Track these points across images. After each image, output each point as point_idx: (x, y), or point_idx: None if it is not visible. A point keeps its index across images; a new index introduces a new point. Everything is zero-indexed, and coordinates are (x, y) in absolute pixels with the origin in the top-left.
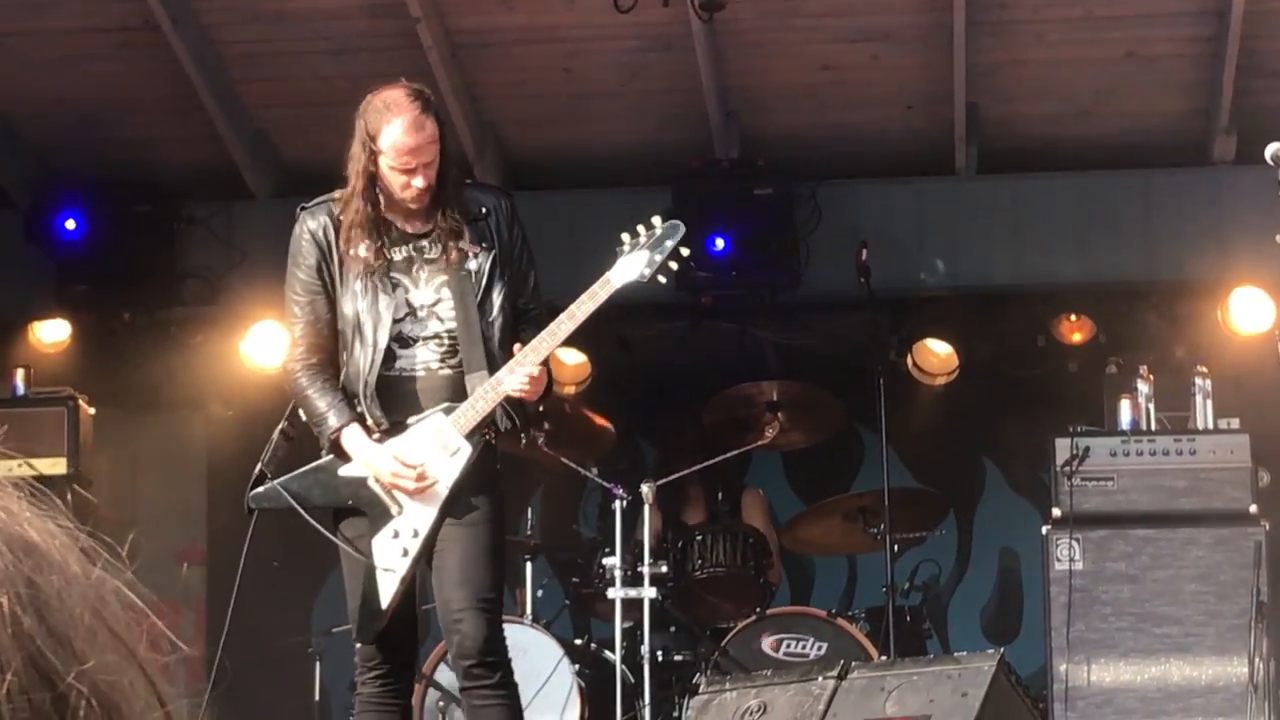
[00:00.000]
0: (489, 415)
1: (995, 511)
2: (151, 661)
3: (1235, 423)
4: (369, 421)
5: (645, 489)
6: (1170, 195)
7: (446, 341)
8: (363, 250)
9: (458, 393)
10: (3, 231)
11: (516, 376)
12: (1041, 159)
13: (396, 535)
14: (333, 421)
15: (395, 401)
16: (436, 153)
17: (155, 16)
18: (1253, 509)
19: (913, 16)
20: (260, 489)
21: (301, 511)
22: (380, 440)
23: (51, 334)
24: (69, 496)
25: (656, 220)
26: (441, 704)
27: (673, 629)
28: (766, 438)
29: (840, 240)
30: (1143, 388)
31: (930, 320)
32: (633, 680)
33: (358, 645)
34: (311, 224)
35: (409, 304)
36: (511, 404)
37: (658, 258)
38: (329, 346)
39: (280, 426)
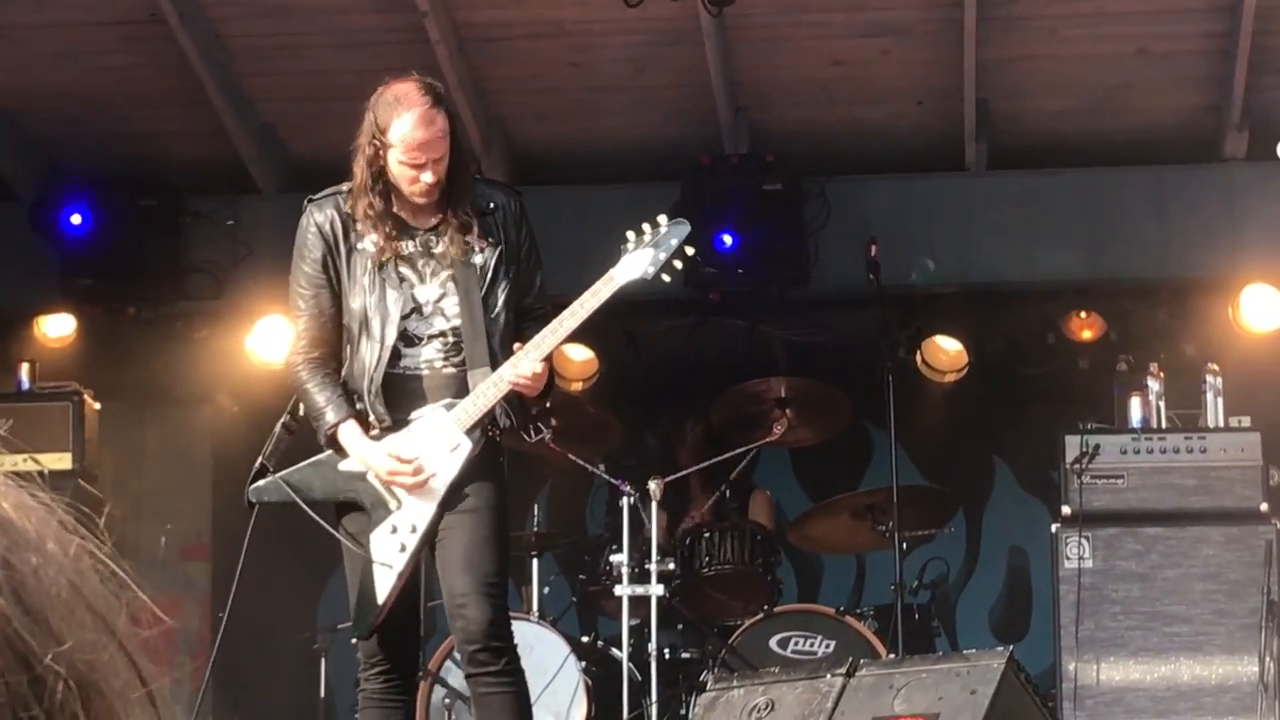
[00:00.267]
0: (489, 411)
1: (1004, 509)
2: (131, 637)
3: (1246, 421)
4: (371, 418)
5: (653, 486)
6: (1181, 192)
7: (451, 339)
8: (370, 244)
9: (461, 390)
10: (8, 225)
11: (518, 371)
12: (1052, 155)
13: (394, 530)
14: (330, 417)
15: (399, 399)
16: (447, 148)
17: (162, 9)
18: (1263, 507)
19: (923, 11)
20: (261, 482)
21: (302, 504)
22: (381, 436)
23: (56, 328)
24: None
25: (662, 218)
26: (447, 701)
27: (680, 626)
28: (775, 434)
29: (850, 236)
30: (1153, 385)
31: (940, 317)
32: (639, 678)
33: (354, 641)
34: (318, 217)
35: (414, 299)
36: (511, 402)
37: (662, 255)
38: (332, 341)
39: (282, 420)
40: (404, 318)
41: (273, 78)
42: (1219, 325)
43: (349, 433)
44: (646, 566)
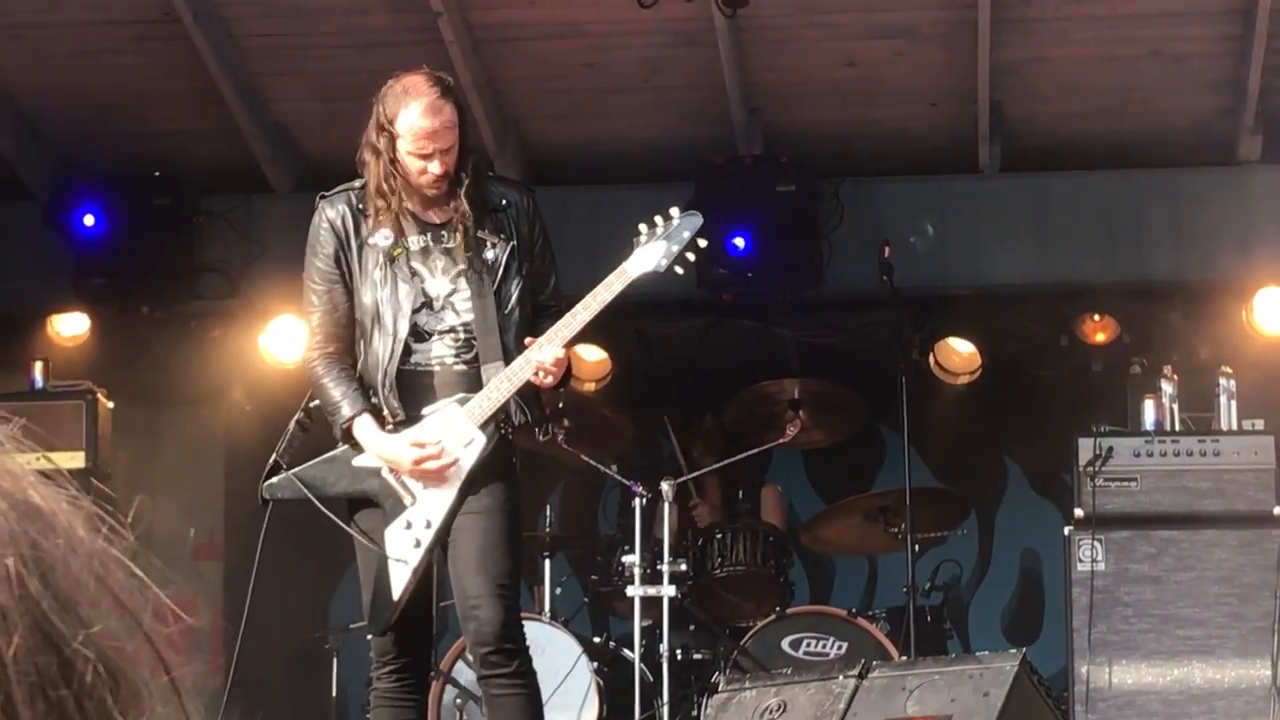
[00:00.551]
0: (503, 406)
1: (1017, 512)
2: (156, 630)
3: (1260, 424)
4: (385, 412)
5: (665, 486)
6: (1195, 194)
7: (462, 336)
8: (382, 239)
9: (473, 386)
10: (21, 224)
11: (531, 363)
12: (1065, 157)
13: (409, 526)
14: (346, 411)
15: (412, 395)
16: (454, 140)
17: (175, 9)
18: (1277, 511)
19: (937, 13)
20: (274, 479)
21: (315, 501)
22: (395, 431)
23: (70, 327)
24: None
25: (674, 211)
26: (459, 701)
27: (692, 627)
28: (787, 436)
29: (863, 238)
30: (1167, 388)
31: (953, 319)
32: (651, 679)
33: (370, 638)
34: (330, 213)
35: (425, 294)
36: (525, 397)
37: (675, 248)
38: (346, 336)
39: (296, 417)
40: (415, 312)
41: (286, 77)
42: (1233, 328)
43: (365, 427)
44: (658, 567)
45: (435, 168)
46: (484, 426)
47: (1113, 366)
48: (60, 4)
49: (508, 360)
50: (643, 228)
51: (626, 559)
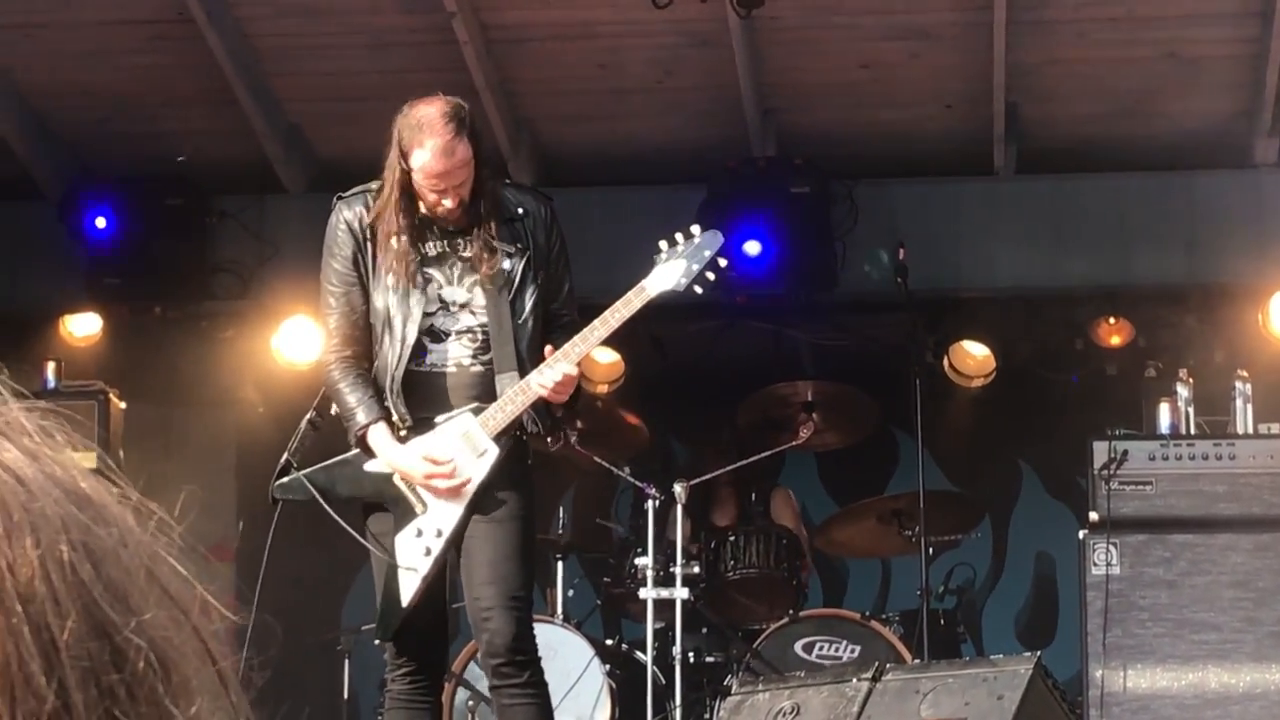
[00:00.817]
0: (517, 418)
1: (1031, 515)
2: (204, 623)
3: (1275, 427)
4: (394, 417)
5: (678, 489)
6: (1211, 197)
7: (480, 336)
8: (396, 244)
9: (487, 390)
10: (34, 224)
11: (547, 378)
12: (1081, 159)
13: (420, 534)
14: (361, 418)
15: (424, 398)
16: (468, 175)
17: (189, 9)
18: None
19: (952, 15)
20: (285, 479)
21: (324, 504)
22: (406, 438)
23: (82, 327)
24: None
25: (696, 229)
26: (471, 703)
27: (705, 630)
28: (801, 438)
29: (877, 240)
30: (1182, 391)
31: (967, 322)
32: (664, 681)
33: (378, 642)
34: (347, 214)
35: (441, 299)
36: (539, 408)
37: (695, 267)
38: (363, 339)
39: (308, 417)
40: (429, 315)
41: (300, 78)
42: (1248, 331)
43: (379, 435)
44: (671, 569)
45: (448, 203)
46: (497, 438)
47: (1128, 370)
48: (73, 4)
49: (521, 370)
50: (663, 244)
51: (639, 561)
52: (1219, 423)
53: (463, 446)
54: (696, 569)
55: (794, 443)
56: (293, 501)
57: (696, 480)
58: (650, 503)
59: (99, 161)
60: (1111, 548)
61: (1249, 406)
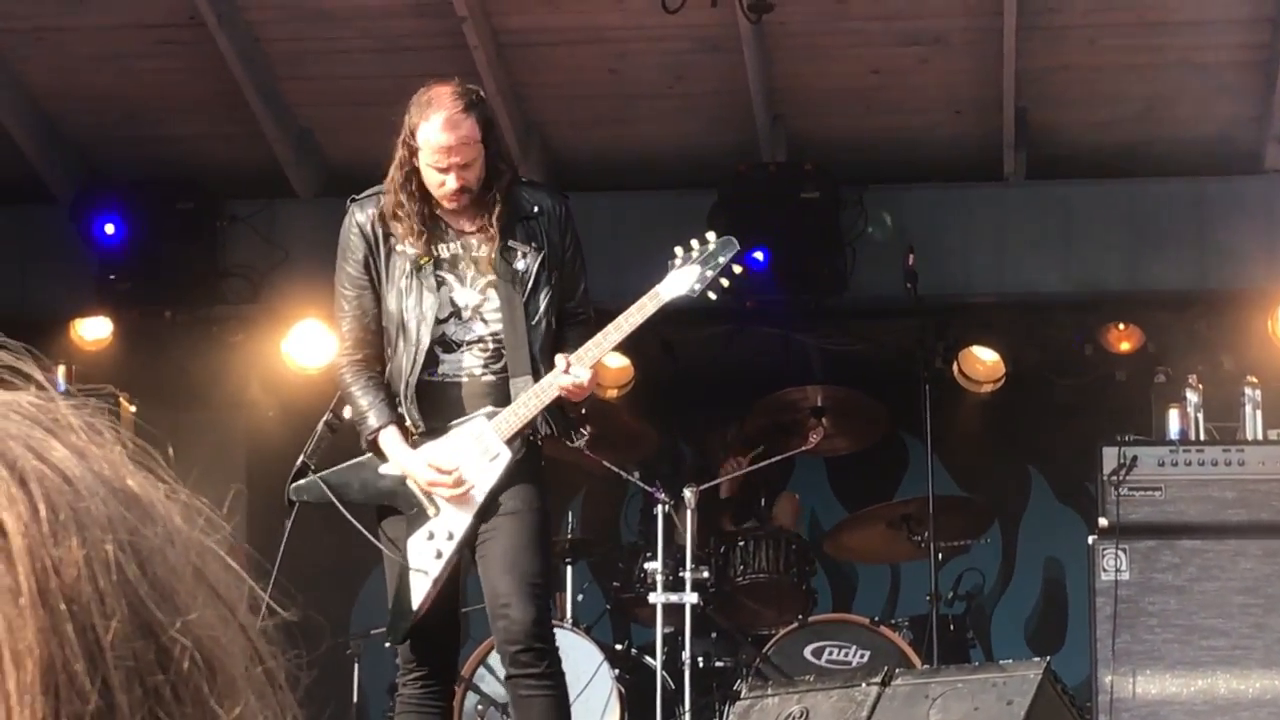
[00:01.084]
0: (531, 421)
1: (1041, 521)
2: (251, 622)
3: None
4: (408, 423)
5: (688, 493)
6: (1221, 203)
7: (491, 345)
8: (409, 246)
9: (501, 398)
10: (45, 228)
11: (564, 381)
12: (1091, 165)
13: (431, 537)
14: (372, 422)
15: (438, 406)
16: (474, 155)
17: (200, 13)
18: None
19: (962, 20)
20: (301, 481)
21: (339, 506)
22: (419, 442)
23: (93, 331)
24: None
25: (711, 235)
26: (480, 708)
27: (714, 635)
28: (810, 443)
29: (887, 245)
30: (1191, 397)
31: (977, 327)
32: (673, 686)
33: (388, 645)
34: (360, 217)
35: (453, 303)
36: (552, 410)
37: (709, 273)
38: (376, 342)
39: (325, 418)
40: (441, 322)
41: (311, 82)
42: (1258, 337)
43: (390, 439)
44: (680, 574)
45: (451, 182)
46: (510, 442)
47: (1137, 375)
48: (84, 7)
49: (535, 373)
50: (678, 250)
51: (648, 566)
52: (1228, 429)
53: (475, 450)
54: (706, 573)
55: (803, 448)
56: (308, 504)
57: (706, 485)
58: (659, 507)
59: (109, 165)
60: (1121, 553)
61: (1258, 412)
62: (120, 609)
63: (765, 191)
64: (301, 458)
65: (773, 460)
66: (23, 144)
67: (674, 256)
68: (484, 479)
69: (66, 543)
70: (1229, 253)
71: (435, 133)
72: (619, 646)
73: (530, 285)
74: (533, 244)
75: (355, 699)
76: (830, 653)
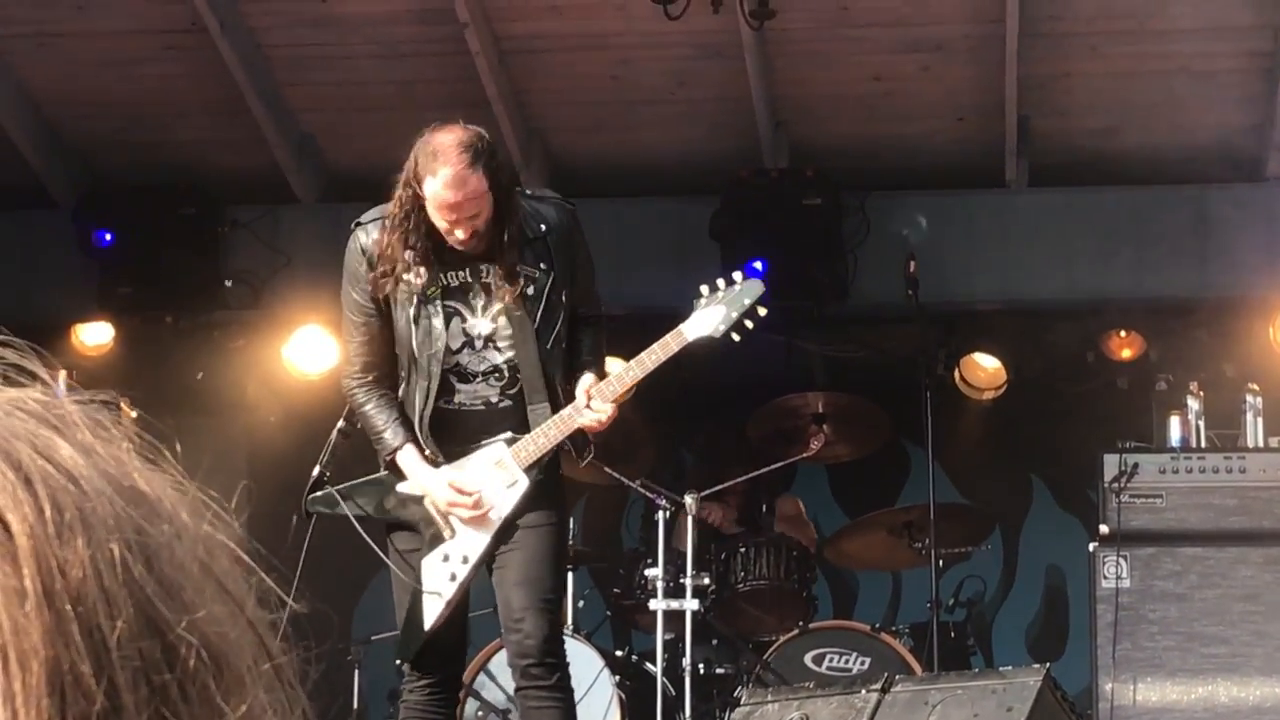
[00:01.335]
0: (550, 450)
1: (1042, 528)
2: (261, 618)
3: None
4: (426, 453)
5: (689, 500)
6: (1223, 211)
7: (506, 373)
8: (415, 276)
9: (519, 424)
10: (46, 233)
11: (586, 418)
12: (1093, 173)
13: (446, 559)
14: (389, 440)
15: (455, 434)
16: (482, 206)
17: (203, 19)
18: None
19: (964, 27)
20: (319, 493)
21: (355, 523)
22: (438, 465)
23: (94, 337)
24: None
25: (737, 276)
26: (481, 713)
27: (714, 641)
28: (812, 450)
29: (889, 252)
30: (1193, 405)
31: (979, 334)
32: (674, 692)
33: (399, 661)
34: (365, 240)
35: (466, 334)
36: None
37: (734, 314)
38: (385, 363)
39: (338, 426)
40: (454, 352)
41: (313, 88)
42: (1259, 345)
43: (408, 457)
44: (681, 581)
45: (460, 234)
46: (528, 470)
47: (1139, 383)
48: (87, 13)
49: (552, 397)
50: (704, 289)
51: (649, 572)
52: (1229, 436)
53: (493, 475)
54: (706, 580)
55: (805, 454)
56: (325, 516)
57: (707, 492)
58: (660, 514)
59: (111, 170)
60: (1122, 561)
61: (1260, 420)
62: (126, 608)
63: (767, 198)
64: (317, 468)
65: (774, 467)
66: (25, 149)
67: (699, 295)
68: (502, 504)
69: (72, 543)
70: (1230, 260)
71: (441, 189)
72: (620, 653)
73: (542, 309)
74: (541, 266)
75: (355, 705)
76: (831, 659)
